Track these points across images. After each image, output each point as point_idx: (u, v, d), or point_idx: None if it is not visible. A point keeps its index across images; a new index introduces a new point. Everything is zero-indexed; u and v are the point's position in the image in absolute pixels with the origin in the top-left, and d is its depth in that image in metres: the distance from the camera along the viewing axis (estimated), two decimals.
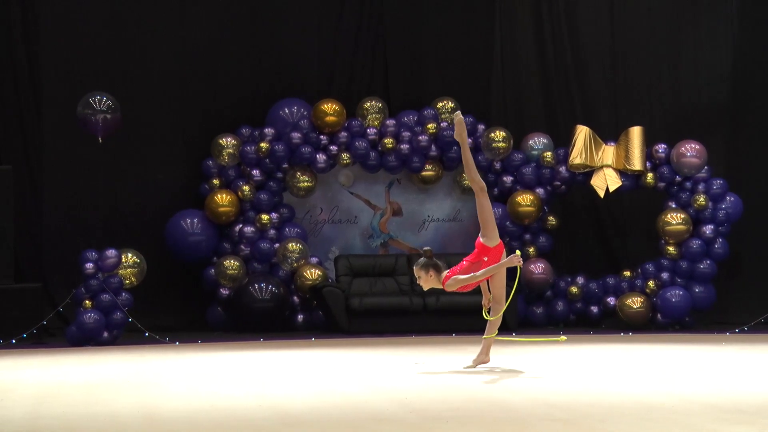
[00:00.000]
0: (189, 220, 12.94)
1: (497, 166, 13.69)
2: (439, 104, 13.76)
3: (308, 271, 12.81)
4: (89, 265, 11.36)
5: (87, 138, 11.89)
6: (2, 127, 12.83)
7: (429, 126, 13.50)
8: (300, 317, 12.96)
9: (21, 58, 12.91)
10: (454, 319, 12.45)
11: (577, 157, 13.25)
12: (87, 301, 11.32)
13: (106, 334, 11.34)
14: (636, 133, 13.19)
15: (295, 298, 12.93)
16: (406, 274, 13.05)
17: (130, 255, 11.80)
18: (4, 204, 11.85)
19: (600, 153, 13.26)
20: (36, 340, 11.56)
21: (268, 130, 13.21)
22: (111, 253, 11.41)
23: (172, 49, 13.46)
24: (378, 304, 12.48)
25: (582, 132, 13.28)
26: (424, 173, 13.63)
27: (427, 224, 13.88)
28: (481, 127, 13.72)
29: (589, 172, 13.36)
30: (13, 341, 11.24)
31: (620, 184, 13.24)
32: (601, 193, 13.30)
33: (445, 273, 8.25)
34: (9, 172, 12.01)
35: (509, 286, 8.52)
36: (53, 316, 11.88)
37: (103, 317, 11.32)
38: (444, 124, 13.56)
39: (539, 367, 8.70)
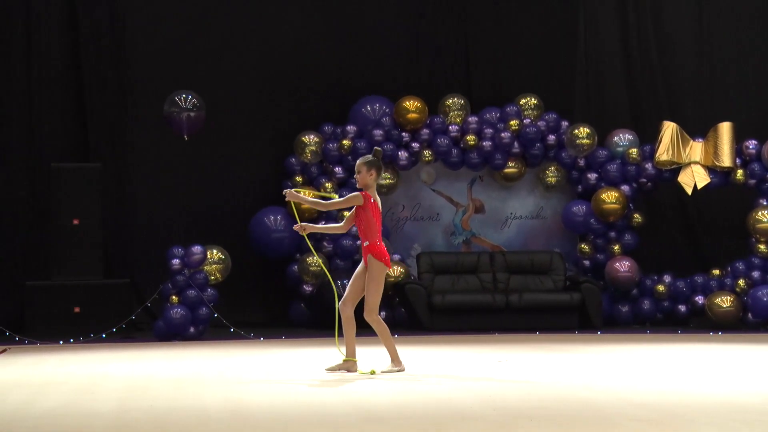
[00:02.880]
0: (272, 217, 13.05)
1: (581, 162, 13.54)
2: (522, 101, 13.65)
3: (391, 269, 12.80)
4: (176, 262, 11.54)
5: (173, 136, 12.07)
6: (91, 127, 13.09)
7: (511, 123, 13.41)
8: (382, 314, 12.92)
9: (109, 58, 13.16)
10: (538, 316, 12.35)
11: (663, 153, 13.03)
12: (174, 297, 11.50)
13: (192, 330, 11.51)
14: (725, 129, 12.91)
15: None
16: (488, 272, 12.98)
17: (215, 251, 11.95)
18: (94, 201, 12.10)
19: (687, 149, 13.02)
20: (125, 334, 11.78)
21: (351, 128, 13.26)
22: (197, 249, 11.57)
23: (256, 48, 13.59)
24: (460, 301, 12.43)
25: (669, 128, 13.05)
26: (506, 170, 13.54)
27: (510, 221, 13.79)
28: (564, 123, 13.58)
29: (676, 168, 13.13)
30: (103, 335, 11.47)
31: (709, 181, 12.98)
32: (689, 191, 13.06)
33: (371, 192, 7.86)
34: (98, 169, 12.26)
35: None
36: (141, 311, 12.10)
37: (189, 313, 11.48)
38: (527, 121, 13.45)
39: (625, 365, 8.57)
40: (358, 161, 7.99)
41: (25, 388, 7.37)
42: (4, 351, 10.41)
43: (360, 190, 7.97)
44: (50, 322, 11.63)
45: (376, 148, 8.17)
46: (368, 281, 7.90)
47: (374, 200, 7.89)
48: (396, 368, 8.00)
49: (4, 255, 12.66)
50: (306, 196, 8.17)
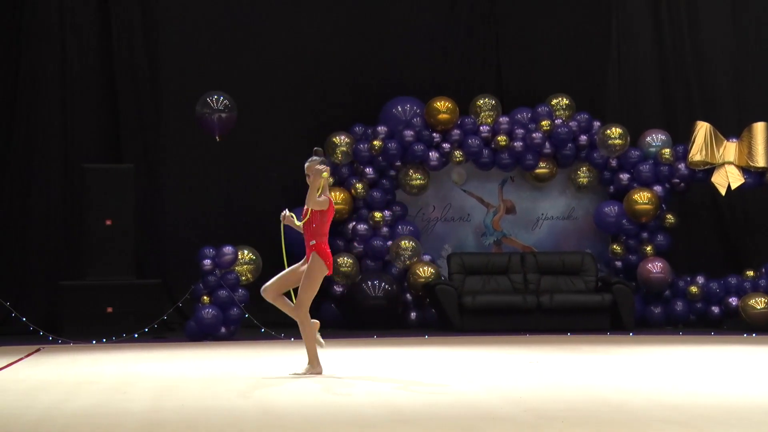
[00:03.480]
0: None
1: (613, 163, 13.47)
2: (554, 101, 13.60)
3: (421, 269, 12.81)
4: (207, 262, 11.59)
5: (205, 137, 12.13)
6: (124, 127, 13.18)
7: (543, 123, 13.36)
8: (413, 315, 12.97)
9: (141, 60, 13.24)
10: (569, 317, 12.29)
11: (697, 153, 12.93)
12: (205, 297, 11.55)
13: (223, 330, 11.55)
14: (760, 128, 12.79)
15: (408, 295, 12.94)
16: (519, 272, 12.94)
17: (246, 252, 11.99)
18: (126, 202, 12.18)
19: (721, 149, 12.91)
20: (156, 334, 11.84)
21: (381, 128, 13.26)
22: (228, 249, 11.61)
23: (287, 48, 13.62)
24: (491, 302, 12.40)
25: (702, 128, 12.95)
26: (537, 171, 13.49)
27: (541, 222, 13.73)
28: (596, 123, 13.51)
29: (709, 169, 13.03)
30: (135, 335, 11.54)
31: (743, 181, 12.86)
32: (723, 191, 12.95)
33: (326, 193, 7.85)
34: (130, 170, 12.34)
35: None
36: (173, 312, 12.16)
37: (220, 313, 11.53)
38: (558, 121, 13.39)
39: (657, 367, 8.51)
40: (307, 164, 7.93)
41: (58, 387, 7.43)
42: (38, 350, 10.51)
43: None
44: (83, 321, 11.72)
45: (316, 148, 8.13)
46: (305, 277, 7.87)
47: (332, 205, 7.94)
48: (313, 371, 7.92)
49: (38, 255, 12.77)
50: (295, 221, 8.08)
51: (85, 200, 12.18)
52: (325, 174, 7.93)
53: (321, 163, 7.94)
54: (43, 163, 12.95)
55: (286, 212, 8.12)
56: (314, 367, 7.95)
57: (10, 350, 10.38)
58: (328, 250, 7.92)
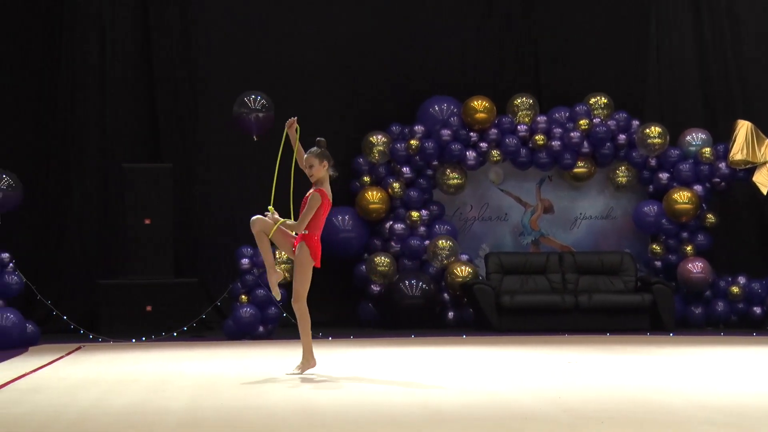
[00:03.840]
0: (340, 217, 13.10)
1: (653, 162, 13.37)
2: (592, 100, 13.52)
3: (458, 269, 12.79)
4: (245, 261, 11.64)
5: (242, 136, 12.18)
6: (163, 127, 13.27)
7: (581, 122, 13.28)
8: (450, 314, 12.94)
9: (180, 59, 13.33)
10: (608, 318, 12.21)
11: (738, 152, 12.80)
12: (243, 296, 11.60)
13: (261, 329, 11.60)
14: None
15: (446, 295, 12.92)
16: (557, 272, 12.87)
17: (283, 253, 11.99)
18: (164, 201, 12.26)
19: (762, 148, 12.78)
20: (195, 333, 11.91)
21: (418, 128, 13.25)
22: None
23: (323, 48, 13.65)
24: (529, 301, 12.34)
25: (743, 127, 12.82)
26: (576, 170, 13.42)
27: (579, 222, 13.66)
28: (635, 122, 13.42)
29: (750, 168, 12.89)
30: (174, 334, 11.61)
31: None
32: (764, 190, 12.82)
33: (325, 186, 7.78)
34: (168, 170, 12.43)
35: None
36: (211, 310, 12.22)
37: (258, 312, 11.57)
38: (597, 120, 13.31)
39: (698, 368, 8.43)
40: (306, 155, 7.88)
41: (98, 386, 7.50)
42: (78, 349, 10.61)
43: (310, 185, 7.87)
44: (123, 320, 11.82)
45: (318, 138, 8.03)
46: (295, 269, 7.86)
47: (329, 199, 7.84)
48: (307, 365, 7.89)
49: (78, 254, 12.89)
50: (278, 217, 7.96)
51: (124, 200, 12.28)
52: (325, 164, 7.81)
53: (319, 155, 7.85)
54: (83, 163, 13.07)
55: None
56: (308, 360, 7.91)
57: (51, 348, 10.49)
58: (318, 244, 7.87)
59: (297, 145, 8.07)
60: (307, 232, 7.81)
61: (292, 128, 8.12)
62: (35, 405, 6.53)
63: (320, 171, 7.84)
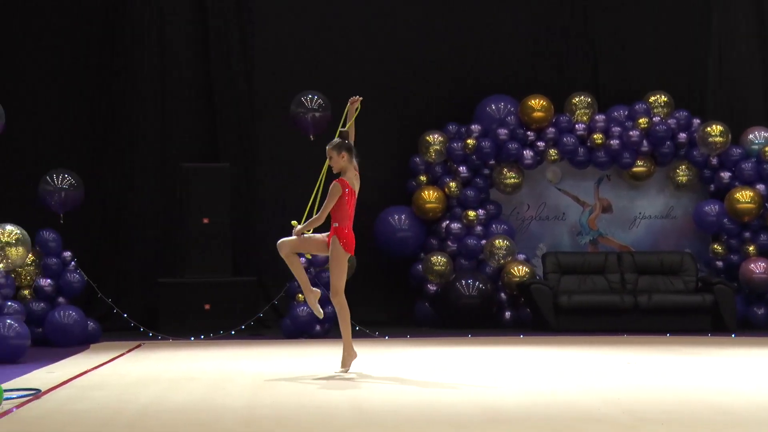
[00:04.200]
0: (397, 217, 13.11)
1: (714, 161, 13.18)
2: (652, 98, 13.37)
3: (515, 268, 12.72)
4: (302, 260, 11.65)
5: (299, 136, 12.24)
6: (220, 126, 13.38)
7: (641, 121, 13.14)
8: (507, 314, 12.88)
9: (237, 59, 13.42)
10: (668, 318, 12.07)
11: None
12: (300, 295, 11.64)
13: (318, 328, 11.64)
14: None
15: (503, 294, 12.86)
16: (616, 272, 12.75)
17: (320, 253, 12.02)
18: (222, 200, 12.37)
19: None
20: (252, 332, 11.99)
21: (475, 127, 13.20)
22: None
23: (380, 47, 13.66)
24: (587, 301, 12.24)
25: None
26: (635, 169, 13.28)
27: (638, 221, 13.51)
28: (696, 121, 13.25)
29: None
30: (232, 332, 11.70)
31: None
32: None
33: (354, 170, 7.92)
34: (226, 169, 12.53)
35: None
36: (268, 309, 12.29)
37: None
38: (657, 119, 13.16)
39: (760, 369, 8.28)
40: (327, 147, 8.03)
41: (157, 383, 7.58)
42: (138, 346, 10.74)
43: (336, 176, 8.01)
44: (182, 318, 11.95)
45: (340, 129, 8.17)
46: (330, 264, 7.97)
47: (350, 186, 7.94)
48: (349, 358, 7.97)
49: (138, 253, 13.04)
50: (300, 226, 8.08)
51: (183, 199, 12.40)
52: (344, 155, 7.95)
53: (336, 146, 8.00)
54: (142, 163, 13.21)
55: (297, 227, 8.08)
56: (349, 353, 7.99)
57: (112, 346, 10.63)
58: (350, 234, 7.98)
59: (351, 123, 8.14)
60: (337, 225, 7.93)
61: (353, 104, 8.30)
62: (96, 402, 6.62)
63: (339, 162, 8.01)
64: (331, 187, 7.93)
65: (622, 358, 9.12)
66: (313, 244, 8.07)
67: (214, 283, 12.12)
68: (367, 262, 12.83)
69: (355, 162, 8.09)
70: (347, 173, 8.02)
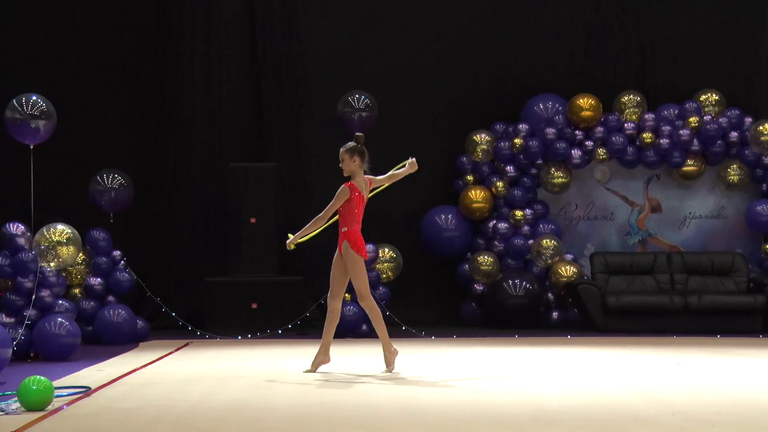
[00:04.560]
0: (443, 216, 13.08)
1: (766, 160, 12.99)
2: (702, 97, 13.21)
3: (563, 268, 12.64)
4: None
5: (346, 136, 12.23)
6: (267, 126, 13.44)
7: (691, 120, 12.99)
8: (555, 314, 12.80)
9: (284, 60, 13.47)
10: (718, 319, 11.92)
11: None
12: (346, 295, 11.65)
13: (364, 327, 11.64)
14: None
15: (550, 295, 12.78)
16: (665, 272, 12.61)
17: (386, 250, 12.05)
18: (269, 200, 12.42)
19: None
20: (299, 331, 12.03)
21: (522, 126, 13.14)
22: (369, 248, 11.68)
23: (427, 46, 13.64)
24: (636, 302, 12.12)
25: None
26: (685, 168, 13.13)
27: (689, 221, 13.36)
28: (748, 120, 13.08)
29: None
30: (279, 331, 11.74)
31: None
32: None
33: (365, 177, 7.98)
34: (273, 169, 12.58)
35: None
36: (315, 308, 12.33)
37: (361, 310, 11.61)
38: (707, 118, 13.00)
39: None
40: (341, 149, 8.08)
41: (205, 382, 7.63)
42: (186, 345, 10.82)
43: (347, 179, 8.05)
44: (229, 317, 12.02)
45: (357, 134, 8.22)
46: (349, 270, 7.99)
47: (360, 191, 7.97)
48: (391, 356, 8.00)
49: (186, 252, 13.14)
50: (299, 234, 8.15)
51: (231, 198, 12.47)
52: (356, 159, 8.03)
53: (350, 150, 8.08)
54: (191, 163, 13.31)
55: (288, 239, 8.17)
56: (390, 351, 8.04)
57: (160, 344, 10.73)
58: (360, 236, 8.01)
59: (395, 174, 8.34)
60: (346, 230, 7.98)
61: (412, 168, 8.37)
62: (145, 400, 6.68)
63: (350, 165, 8.09)
64: (339, 189, 7.99)
65: (671, 360, 9.02)
66: (343, 271, 8.04)
67: (262, 283, 12.18)
68: (413, 262, 12.82)
69: (365, 167, 8.12)
70: (356, 177, 8.08)
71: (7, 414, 5.99)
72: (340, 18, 13.65)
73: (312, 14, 13.60)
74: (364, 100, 12.01)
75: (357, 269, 7.98)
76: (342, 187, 8.02)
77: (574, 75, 13.64)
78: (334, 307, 8.11)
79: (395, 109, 13.33)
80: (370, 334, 11.68)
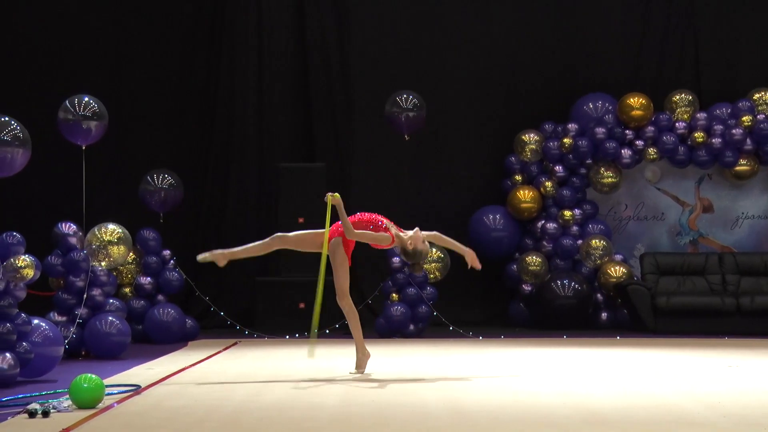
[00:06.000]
0: (492, 216, 13.03)
1: None
2: (756, 95, 13.03)
3: (612, 269, 12.53)
4: (396, 260, 11.69)
5: (394, 136, 12.26)
6: (316, 127, 13.49)
7: (744, 119, 12.81)
8: (604, 315, 12.69)
9: (334, 60, 13.51)
10: None
11: None
12: (394, 295, 11.66)
13: (411, 327, 11.64)
14: None
15: (599, 295, 12.68)
16: (717, 273, 12.45)
17: (434, 250, 12.01)
18: (317, 200, 12.41)
19: None
20: (347, 330, 11.97)
21: (572, 126, 13.04)
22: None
23: (476, 46, 13.60)
24: (687, 303, 11.98)
25: None
26: (737, 168, 12.96)
27: (741, 221, 13.17)
28: None
29: None
30: (326, 331, 11.75)
31: None
32: None
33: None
34: (322, 169, 12.62)
35: None
36: (363, 308, 12.33)
37: (409, 310, 11.62)
38: (761, 117, 12.81)
39: None
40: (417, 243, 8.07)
41: (254, 381, 7.67)
42: (235, 344, 10.88)
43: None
44: (277, 317, 12.07)
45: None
46: (334, 266, 8.00)
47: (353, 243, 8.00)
48: (363, 358, 7.96)
49: None
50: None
51: (279, 198, 12.53)
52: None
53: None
54: (241, 163, 13.40)
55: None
56: (363, 354, 8.00)
57: (209, 343, 10.80)
58: (353, 244, 8.03)
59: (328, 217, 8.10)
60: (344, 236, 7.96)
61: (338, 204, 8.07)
62: (194, 398, 6.72)
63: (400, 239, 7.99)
64: (382, 236, 7.95)
65: (722, 361, 8.90)
66: (310, 240, 8.07)
67: (309, 282, 12.16)
68: (461, 262, 12.76)
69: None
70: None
71: (59, 411, 6.06)
72: (390, 18, 13.66)
73: (362, 14, 13.62)
74: (412, 100, 12.00)
75: (344, 267, 7.99)
76: (386, 235, 7.96)
77: (624, 74, 13.51)
78: (346, 305, 8.03)
79: (443, 109, 13.31)
80: (418, 334, 11.67)
